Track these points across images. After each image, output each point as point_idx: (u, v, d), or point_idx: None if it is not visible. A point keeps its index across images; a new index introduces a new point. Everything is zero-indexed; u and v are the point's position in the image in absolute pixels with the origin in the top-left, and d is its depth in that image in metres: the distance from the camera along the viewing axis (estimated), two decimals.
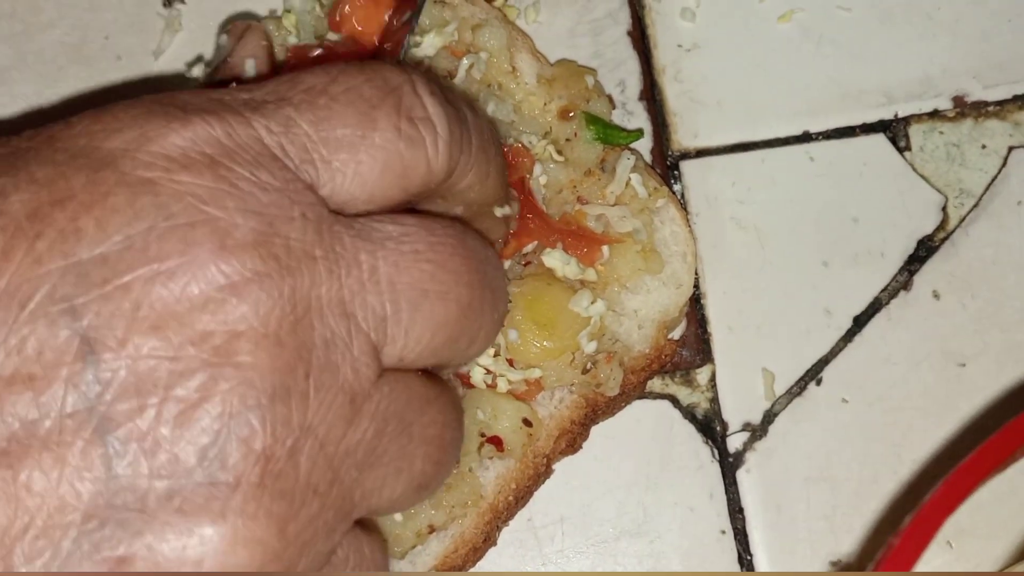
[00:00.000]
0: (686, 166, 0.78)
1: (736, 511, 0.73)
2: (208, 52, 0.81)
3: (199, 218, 0.41)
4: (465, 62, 0.72)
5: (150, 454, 0.39)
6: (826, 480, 0.73)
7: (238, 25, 0.66)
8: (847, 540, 0.72)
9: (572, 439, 0.72)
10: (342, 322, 0.44)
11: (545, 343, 0.68)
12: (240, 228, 0.41)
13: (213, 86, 0.52)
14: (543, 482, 0.73)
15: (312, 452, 0.42)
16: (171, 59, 0.81)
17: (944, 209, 0.77)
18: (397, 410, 0.46)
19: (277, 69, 0.67)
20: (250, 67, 0.64)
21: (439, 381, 0.52)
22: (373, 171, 0.46)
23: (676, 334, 0.75)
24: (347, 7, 0.69)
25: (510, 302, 0.68)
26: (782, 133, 0.79)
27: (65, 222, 0.40)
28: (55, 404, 0.39)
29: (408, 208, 0.51)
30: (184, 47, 0.81)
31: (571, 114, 0.73)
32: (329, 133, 0.45)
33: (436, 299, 0.47)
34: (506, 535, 0.73)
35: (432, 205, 0.54)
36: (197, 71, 0.80)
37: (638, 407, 0.75)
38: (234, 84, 0.49)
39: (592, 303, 0.69)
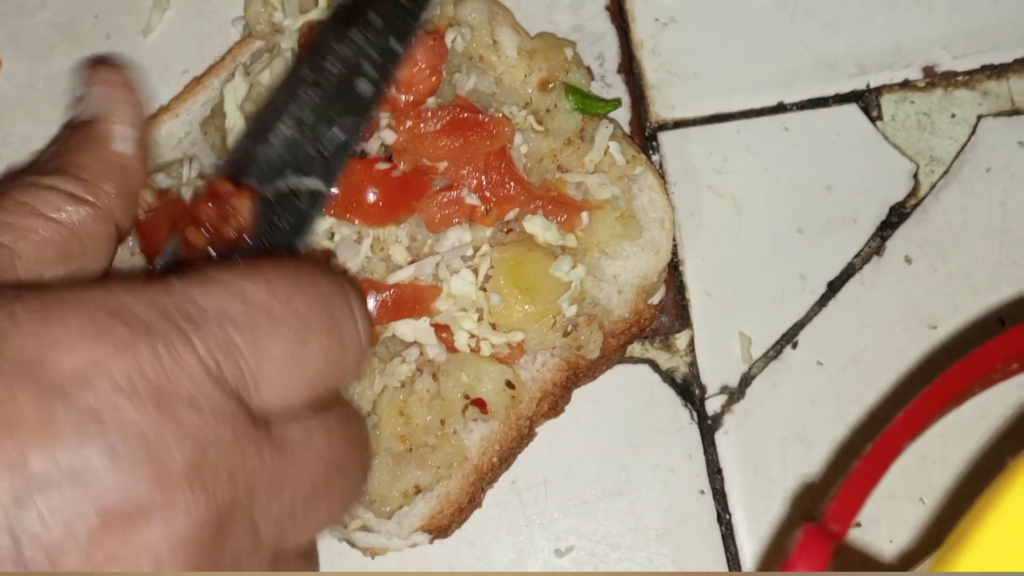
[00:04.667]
0: (664, 137, 0.80)
1: (715, 471, 0.75)
2: (196, 32, 0.83)
3: (141, 457, 0.43)
4: (449, 35, 0.73)
5: None
6: (802, 440, 0.75)
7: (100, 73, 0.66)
8: (823, 499, 0.74)
9: (554, 402, 0.73)
10: (248, 539, 0.46)
11: (527, 307, 0.70)
12: (176, 462, 0.43)
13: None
14: (526, 445, 0.74)
15: None
16: (160, 37, 0.83)
17: (915, 176, 0.79)
18: None
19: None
20: (123, 141, 0.64)
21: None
22: (297, 389, 0.49)
23: (655, 300, 0.76)
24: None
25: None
26: (757, 104, 0.80)
27: (12, 450, 0.41)
28: None
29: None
30: (173, 25, 0.83)
31: (551, 85, 0.74)
32: (263, 354, 0.48)
33: (325, 495, 0.51)
34: (491, 496, 0.74)
35: None
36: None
37: (618, 371, 0.77)
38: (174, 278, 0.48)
39: (572, 268, 0.70)
